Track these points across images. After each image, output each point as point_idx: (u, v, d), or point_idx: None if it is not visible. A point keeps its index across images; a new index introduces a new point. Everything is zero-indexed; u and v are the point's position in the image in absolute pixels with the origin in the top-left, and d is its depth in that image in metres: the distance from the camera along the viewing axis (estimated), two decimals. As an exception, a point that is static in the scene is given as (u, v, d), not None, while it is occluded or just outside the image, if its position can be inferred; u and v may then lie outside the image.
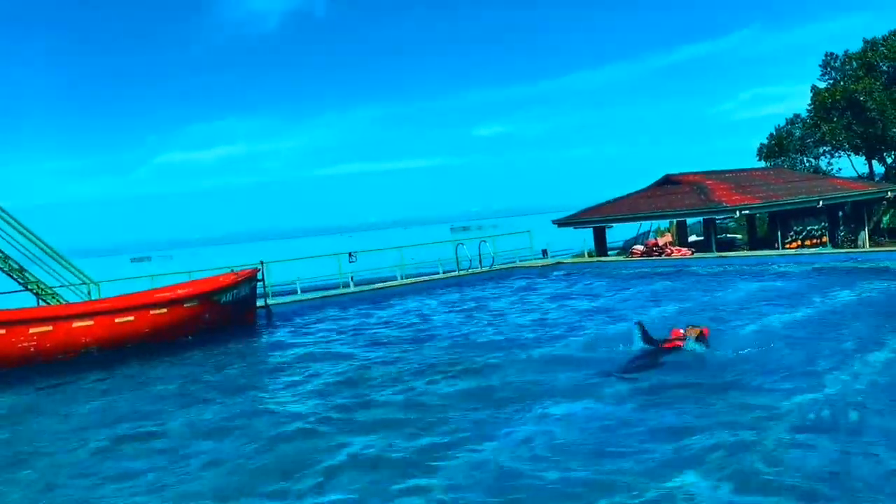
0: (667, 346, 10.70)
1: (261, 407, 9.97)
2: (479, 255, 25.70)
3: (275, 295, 22.34)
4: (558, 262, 25.80)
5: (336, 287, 23.26)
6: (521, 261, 27.34)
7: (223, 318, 16.78)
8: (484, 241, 26.32)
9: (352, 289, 23.04)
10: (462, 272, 24.66)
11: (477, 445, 7.42)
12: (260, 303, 18.96)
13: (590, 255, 30.48)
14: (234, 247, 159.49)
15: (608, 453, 6.87)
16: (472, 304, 18.85)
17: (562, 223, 33.39)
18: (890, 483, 5.63)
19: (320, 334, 16.12)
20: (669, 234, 27.23)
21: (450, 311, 18.01)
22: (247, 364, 13.78)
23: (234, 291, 17.17)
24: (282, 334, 16.77)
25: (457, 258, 25.21)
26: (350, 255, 23.69)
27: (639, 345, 10.74)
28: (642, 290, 18.76)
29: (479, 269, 25.05)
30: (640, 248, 25.13)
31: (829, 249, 27.21)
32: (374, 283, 23.72)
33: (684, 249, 24.38)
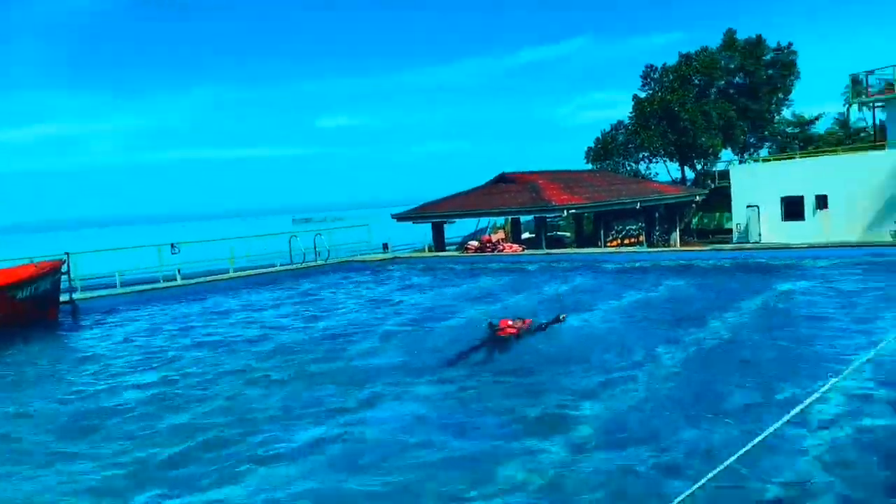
0: (499, 333, 10.85)
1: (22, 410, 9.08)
2: (315, 248, 25.12)
3: (89, 289, 20.60)
4: (395, 257, 25.77)
5: (158, 281, 21.80)
6: (359, 255, 27.04)
7: (18, 314, 15.11)
8: (319, 233, 25.76)
9: (178, 282, 21.69)
10: (297, 265, 23.98)
11: (286, 447, 7.10)
12: (65, 297, 17.32)
13: (430, 249, 30.78)
14: (49, 235, 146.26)
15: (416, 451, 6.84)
16: (304, 299, 18.34)
17: (401, 218, 33.46)
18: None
19: (128, 332, 14.95)
20: (503, 231, 28.07)
21: (279, 306, 17.39)
22: (30, 364, 12.48)
23: (33, 286, 15.52)
24: (86, 334, 15.38)
25: (290, 251, 24.46)
26: (172, 246, 22.25)
27: (478, 336, 10.88)
28: (474, 284, 19.16)
29: (314, 263, 24.46)
30: (474, 243, 25.68)
31: (645, 248, 29.24)
32: (202, 277, 22.49)
33: (516, 246, 25.22)
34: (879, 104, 32.06)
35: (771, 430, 4.65)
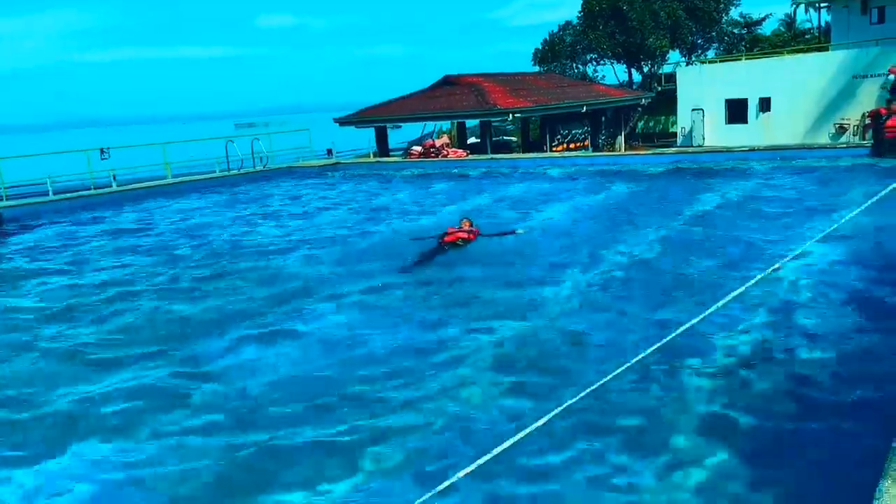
0: (446, 240, 10.82)
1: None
2: (252, 154, 24.28)
3: (14, 197, 19.65)
4: (337, 163, 25.14)
5: (90, 188, 20.85)
6: (301, 160, 26.28)
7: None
8: (257, 138, 24.85)
9: (113, 188, 20.81)
10: (234, 172, 23.19)
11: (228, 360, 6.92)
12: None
13: (375, 155, 30.13)
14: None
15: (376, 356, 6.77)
16: (242, 206, 17.81)
17: (343, 122, 32.49)
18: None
19: (60, 240, 14.34)
20: (447, 136, 27.57)
21: (216, 213, 16.86)
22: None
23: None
24: (11, 242, 14.69)
25: (227, 157, 23.59)
26: (102, 151, 21.18)
27: (420, 243, 10.82)
28: (416, 191, 18.88)
29: (252, 170, 23.69)
30: (418, 149, 25.16)
31: (589, 153, 29.17)
32: (138, 183, 21.61)
33: (460, 151, 24.79)
34: (825, 5, 31.91)
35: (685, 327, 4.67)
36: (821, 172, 15.56)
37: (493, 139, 35.72)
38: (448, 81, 32.05)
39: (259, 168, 23.88)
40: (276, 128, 57.27)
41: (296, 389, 6.13)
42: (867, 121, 17.69)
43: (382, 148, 31.86)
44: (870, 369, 5.71)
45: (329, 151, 29.51)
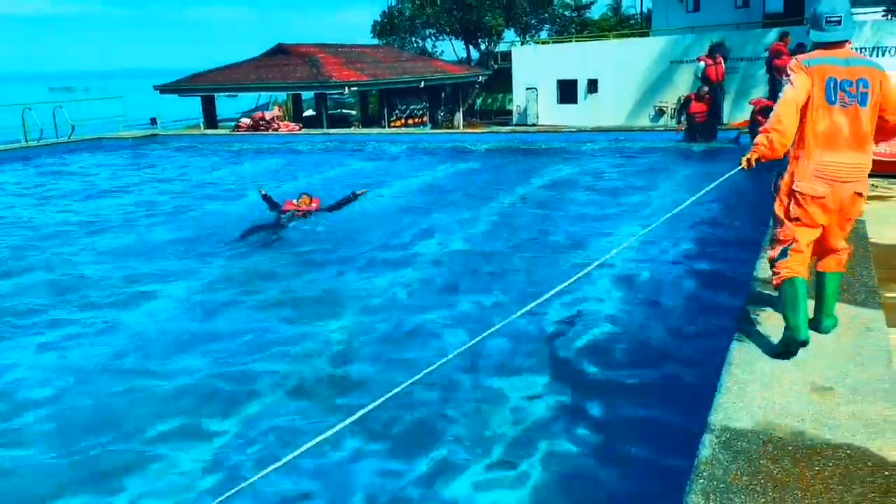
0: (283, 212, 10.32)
1: None
2: (55, 122, 21.76)
3: None
4: (154, 135, 23.09)
5: None
6: (115, 131, 23.89)
7: None
8: (59, 106, 22.29)
9: None
10: (32, 143, 20.63)
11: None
12: None
13: (203, 128, 28.15)
14: None
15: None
16: (40, 182, 15.83)
17: (165, 89, 30.12)
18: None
19: None
20: (279, 108, 26.24)
21: (8, 192, 14.86)
22: None
23: None
24: None
25: (24, 126, 20.94)
26: None
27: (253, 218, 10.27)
28: (243, 165, 17.69)
29: (55, 140, 21.20)
30: (246, 121, 23.68)
31: (427, 129, 28.98)
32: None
33: (293, 125, 23.63)
34: (647, -8, 33.58)
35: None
36: (644, 155, 16.18)
37: (331, 112, 34.66)
38: (282, 50, 30.58)
39: (63, 139, 21.40)
40: (98, 93, 52.67)
41: (74, 402, 5.26)
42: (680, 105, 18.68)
43: (210, 119, 29.90)
44: (681, 354, 5.72)
45: (153, 121, 27.22)
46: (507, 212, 11.45)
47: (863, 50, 22.93)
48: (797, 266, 3.94)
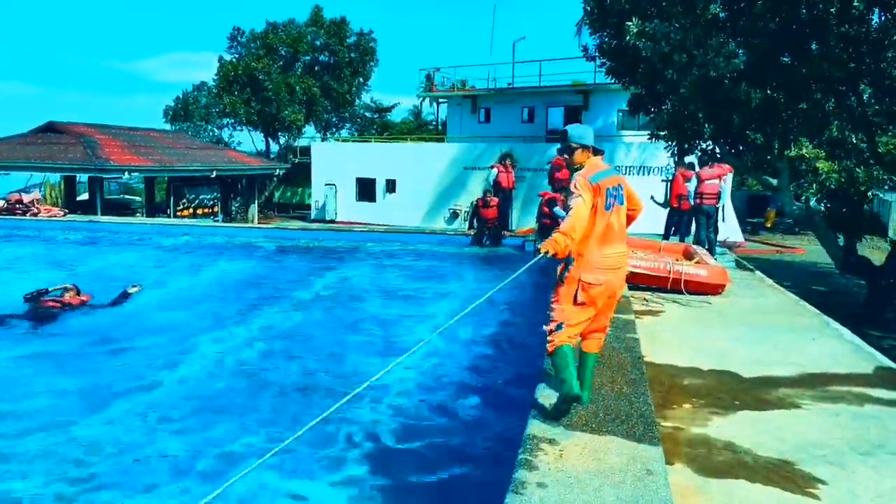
0: (42, 306, 9.61)
1: None
2: None
3: None
4: None
5: None
6: None
7: None
8: None
9: None
10: None
11: None
12: None
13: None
14: None
15: None
16: None
17: None
18: None
19: None
20: (37, 192, 23.37)
21: None
22: None
23: None
24: None
25: None
26: None
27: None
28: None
29: None
30: (1, 203, 20.73)
31: (211, 222, 27.36)
32: None
33: (56, 209, 21.06)
34: (443, 100, 35.14)
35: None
36: (433, 257, 16.01)
37: (112, 198, 31.86)
38: (53, 129, 27.72)
39: None
40: None
41: None
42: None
43: (-41, 200, 26.02)
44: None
45: None
46: (289, 316, 10.45)
47: (631, 168, 25.28)
48: (568, 338, 4.60)
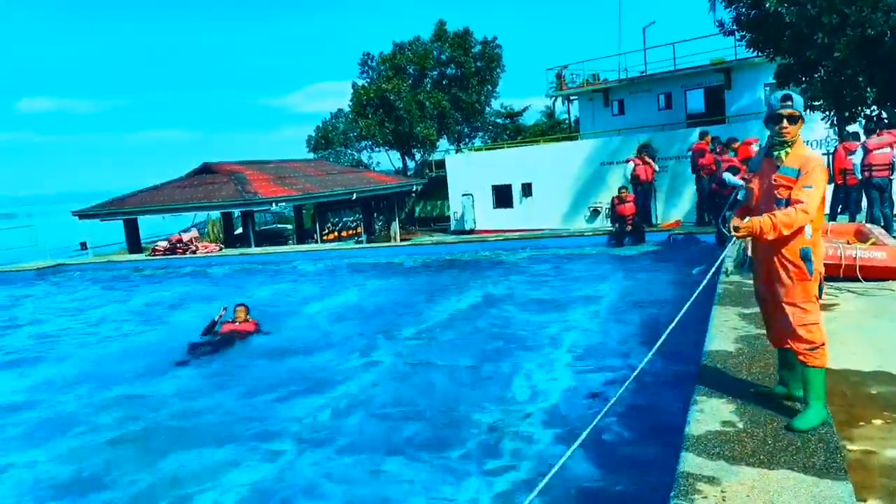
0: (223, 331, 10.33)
1: None
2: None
3: None
4: (59, 264, 21.50)
5: None
6: (19, 263, 22.25)
7: None
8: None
9: None
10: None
11: None
12: None
13: (129, 251, 26.93)
14: None
15: None
16: None
17: (84, 214, 28.68)
18: None
19: None
20: (195, 231, 25.00)
21: None
22: None
23: None
24: None
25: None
26: None
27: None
28: (159, 293, 16.29)
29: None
30: (163, 244, 22.38)
31: (348, 244, 28.12)
32: None
33: (212, 245, 22.44)
34: (574, 97, 34.24)
35: None
36: (574, 261, 15.37)
37: (266, 228, 33.69)
38: (208, 170, 29.73)
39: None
40: (40, 217, 51.38)
41: None
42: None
43: (133, 242, 28.48)
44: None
45: (83, 245, 26.34)
46: (435, 336, 10.30)
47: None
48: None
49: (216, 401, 7.81)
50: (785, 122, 4.11)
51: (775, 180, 4.15)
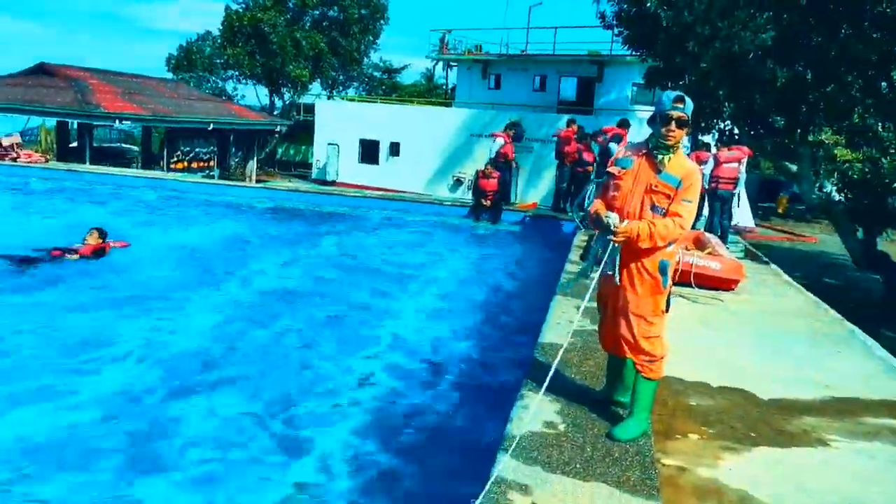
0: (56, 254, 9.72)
1: None
2: None
3: None
4: None
5: None
6: None
7: None
8: None
9: None
10: None
11: None
12: None
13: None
14: None
15: None
16: None
17: None
18: None
19: None
20: (17, 136, 22.32)
21: None
22: None
23: None
24: None
25: None
26: None
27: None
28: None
29: None
30: (-21, 148, 19.83)
31: (197, 178, 26.47)
32: None
33: (36, 155, 20.15)
34: (454, 64, 33.88)
35: None
36: (428, 228, 15.11)
37: (108, 146, 30.96)
38: (44, 70, 26.71)
39: None
40: None
41: None
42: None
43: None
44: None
45: None
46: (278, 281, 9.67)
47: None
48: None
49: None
50: (673, 125, 3.88)
51: (656, 186, 3.92)
